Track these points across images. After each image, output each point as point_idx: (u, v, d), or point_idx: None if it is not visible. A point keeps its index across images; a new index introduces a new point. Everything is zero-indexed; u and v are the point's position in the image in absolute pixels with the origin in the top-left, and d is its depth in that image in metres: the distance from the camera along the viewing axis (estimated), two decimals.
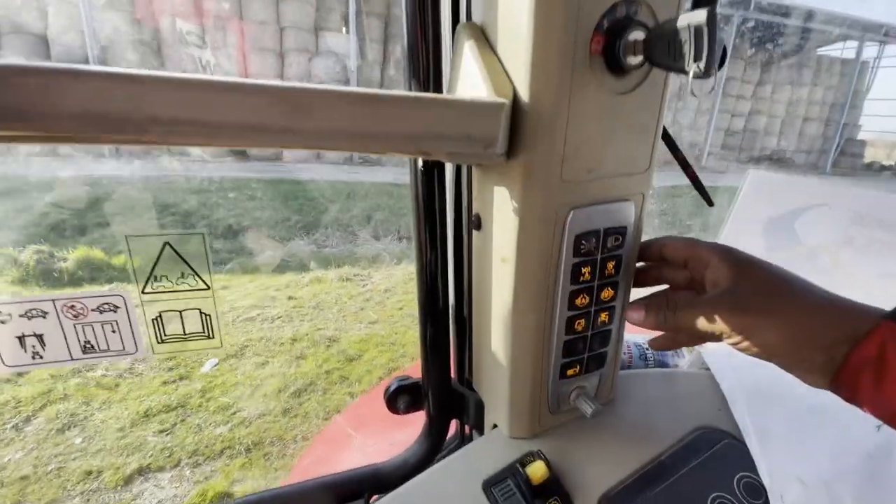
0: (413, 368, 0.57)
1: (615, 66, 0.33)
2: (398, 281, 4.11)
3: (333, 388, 2.73)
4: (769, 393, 0.50)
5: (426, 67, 0.38)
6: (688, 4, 0.31)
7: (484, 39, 0.36)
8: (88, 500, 1.99)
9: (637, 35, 0.31)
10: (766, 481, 0.43)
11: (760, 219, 0.60)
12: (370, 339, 3.15)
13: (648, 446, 0.46)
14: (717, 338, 0.36)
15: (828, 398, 0.32)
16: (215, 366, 2.89)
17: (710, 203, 0.47)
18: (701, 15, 0.26)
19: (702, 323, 0.35)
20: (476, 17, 0.38)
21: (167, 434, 2.36)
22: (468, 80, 0.35)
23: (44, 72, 0.23)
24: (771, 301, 0.33)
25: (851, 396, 0.31)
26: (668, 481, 0.43)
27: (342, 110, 0.28)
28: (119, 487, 2.05)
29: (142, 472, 2.13)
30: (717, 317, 0.34)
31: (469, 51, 0.35)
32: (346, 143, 0.28)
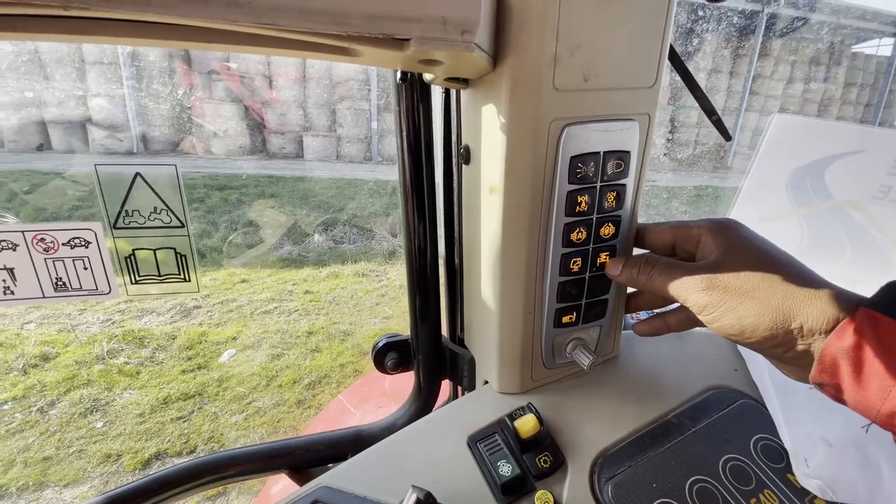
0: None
1: None
2: (405, 271, 4.13)
3: (347, 381, 2.74)
4: None
5: None
6: None
7: None
8: (107, 482, 2.04)
9: None
10: (787, 444, 0.38)
11: (786, 169, 0.54)
12: (385, 334, 3.16)
13: (654, 405, 0.41)
14: (693, 310, 0.33)
15: None
16: (233, 356, 2.94)
17: (728, 137, 0.42)
18: None
19: (677, 289, 0.33)
20: None
21: (184, 421, 2.41)
22: None
23: None
24: (752, 281, 0.30)
25: (835, 393, 0.28)
26: (674, 441, 0.38)
27: None
28: (137, 471, 2.09)
29: (159, 456, 2.17)
30: (693, 286, 0.32)
31: None
32: (297, 21, 0.25)
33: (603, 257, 0.39)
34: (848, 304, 0.28)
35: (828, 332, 0.27)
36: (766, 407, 0.41)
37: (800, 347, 0.29)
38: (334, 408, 1.00)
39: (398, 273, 4.07)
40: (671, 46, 0.37)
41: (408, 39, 0.26)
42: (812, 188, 0.54)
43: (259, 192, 5.40)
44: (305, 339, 3.11)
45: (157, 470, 0.47)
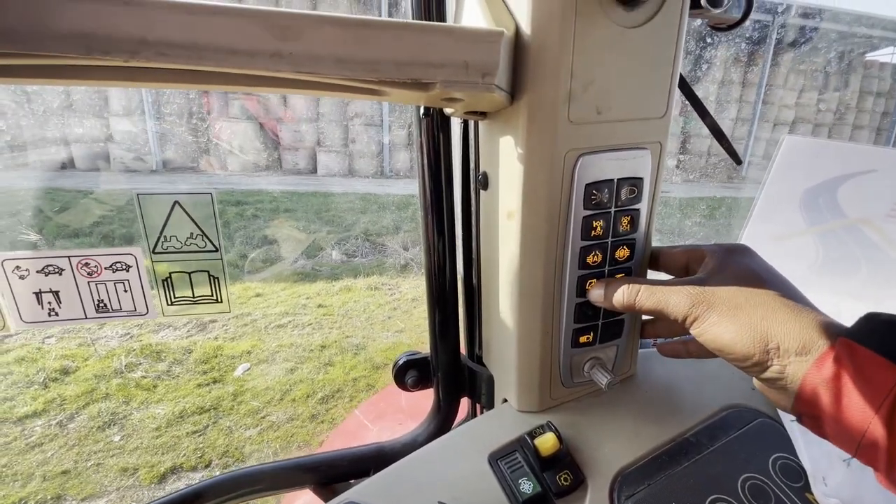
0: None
1: None
2: (425, 291, 4.12)
3: (360, 395, 2.74)
4: None
5: (428, 2, 0.37)
6: None
7: None
8: (124, 496, 2.06)
9: None
10: (805, 463, 0.38)
11: (797, 189, 0.55)
12: (397, 348, 3.16)
13: (672, 423, 0.42)
14: (682, 325, 0.33)
15: None
16: (247, 370, 2.96)
17: (738, 161, 0.44)
18: None
19: (665, 304, 0.34)
20: None
21: (200, 435, 2.42)
22: (470, 15, 0.34)
23: None
24: (736, 298, 0.31)
25: (816, 424, 0.28)
26: (692, 460, 0.39)
27: (331, 34, 0.27)
28: (153, 485, 2.11)
29: (174, 470, 2.19)
30: (681, 300, 0.33)
31: None
32: (334, 69, 0.27)
33: (618, 277, 0.40)
34: (828, 332, 0.28)
35: (801, 353, 0.28)
36: (784, 426, 0.42)
37: (775, 367, 0.29)
38: (351, 423, 1.01)
39: (410, 286, 4.09)
40: (681, 75, 0.39)
41: (433, 83, 0.28)
42: (825, 207, 0.55)
43: (273, 208, 5.49)
44: (318, 353, 3.13)
45: (188, 485, 0.49)
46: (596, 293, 0.39)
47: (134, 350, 2.97)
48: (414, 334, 3.30)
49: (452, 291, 0.49)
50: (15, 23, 0.23)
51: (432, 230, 0.46)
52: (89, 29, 0.24)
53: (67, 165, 5.97)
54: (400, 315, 3.61)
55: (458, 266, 0.49)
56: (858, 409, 0.25)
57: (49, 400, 2.49)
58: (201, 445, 2.36)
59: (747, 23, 0.38)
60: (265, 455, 2.28)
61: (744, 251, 0.36)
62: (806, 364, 0.28)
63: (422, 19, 0.37)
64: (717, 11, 0.34)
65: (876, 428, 0.25)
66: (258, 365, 2.96)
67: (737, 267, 0.34)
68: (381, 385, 2.76)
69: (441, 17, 0.38)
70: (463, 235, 0.47)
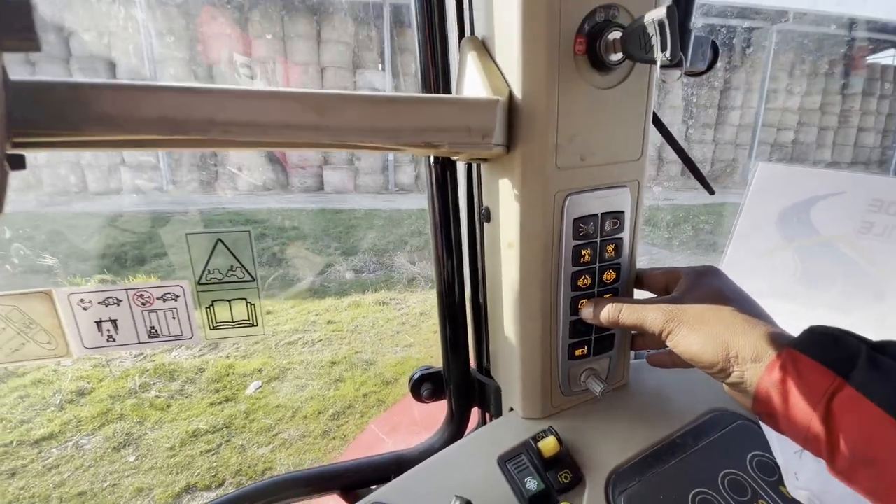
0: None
1: (599, 64, 0.37)
2: (433, 304, 4.14)
3: (371, 411, 2.76)
4: None
5: (435, 74, 0.44)
6: (663, 1, 0.35)
7: (484, 50, 0.41)
8: None
9: (615, 35, 0.35)
10: (779, 460, 0.43)
11: (773, 211, 0.61)
12: (406, 363, 3.18)
13: (660, 426, 0.47)
14: (660, 339, 0.39)
15: None
16: (259, 388, 2.99)
17: (711, 192, 0.49)
18: (661, 11, 0.30)
19: (643, 320, 0.39)
20: (478, 32, 0.43)
21: (213, 454, 2.44)
22: (471, 84, 0.41)
23: (127, 87, 0.30)
24: (703, 315, 0.36)
25: (772, 422, 0.33)
26: (679, 458, 0.44)
27: (361, 110, 0.33)
28: None
29: (189, 489, 2.22)
30: (656, 317, 0.38)
31: (472, 60, 0.41)
32: (365, 138, 0.33)
33: (607, 298, 0.46)
34: (777, 342, 0.33)
35: (755, 361, 0.33)
36: (760, 427, 0.47)
37: (735, 373, 0.34)
38: (367, 437, 1.06)
39: (418, 300, 4.12)
40: (655, 114, 0.45)
41: (442, 144, 0.35)
42: (800, 226, 0.61)
43: (281, 226, 5.57)
44: (329, 370, 3.14)
45: (223, 494, 0.54)
46: (586, 312, 0.44)
47: (148, 370, 3.01)
48: (423, 348, 3.32)
49: (461, 311, 0.55)
50: (114, 112, 0.30)
51: (442, 257, 0.52)
52: (171, 114, 0.31)
53: (81, 188, 6.11)
54: (408, 330, 3.63)
55: (466, 288, 0.54)
56: (802, 409, 0.30)
57: (65, 422, 2.53)
58: (215, 464, 2.38)
59: None
60: (277, 472, 2.30)
61: (713, 273, 0.42)
62: (759, 370, 0.33)
63: (430, 86, 0.44)
64: (681, 70, 0.40)
65: (816, 424, 0.30)
66: (269, 382, 2.99)
67: (705, 287, 0.39)
68: (391, 400, 2.78)
69: (447, 84, 0.45)
70: (469, 261, 0.53)
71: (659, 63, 0.31)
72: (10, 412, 2.65)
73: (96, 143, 0.31)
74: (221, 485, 2.26)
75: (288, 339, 3.50)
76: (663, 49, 0.31)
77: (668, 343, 0.38)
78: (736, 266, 0.65)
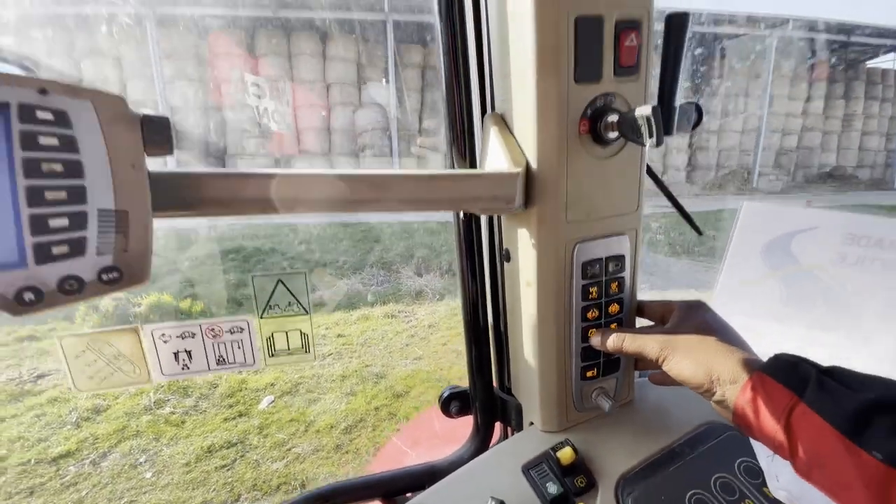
0: (464, 381, 0.68)
1: (599, 140, 0.46)
2: (441, 316, 4.18)
3: (382, 424, 2.76)
4: None
5: (462, 146, 0.52)
6: (652, 92, 0.44)
7: (504, 125, 0.50)
8: None
9: (613, 118, 0.44)
10: (763, 465, 0.50)
11: (758, 244, 0.69)
12: (416, 375, 3.21)
13: (662, 437, 0.55)
14: (657, 363, 0.47)
15: None
16: (272, 403, 3.02)
17: (699, 233, 0.58)
18: (647, 109, 0.39)
19: (643, 349, 0.47)
20: (498, 108, 0.52)
21: (228, 469, 2.47)
22: (494, 155, 0.49)
23: (232, 175, 0.39)
24: (691, 344, 0.45)
25: (750, 433, 0.41)
26: (677, 464, 0.51)
27: (409, 185, 0.42)
28: None
29: None
30: (654, 346, 0.46)
31: (494, 134, 0.50)
32: (412, 207, 0.42)
33: (613, 327, 0.54)
34: (749, 367, 0.41)
35: (732, 383, 0.41)
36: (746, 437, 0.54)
37: (718, 393, 0.42)
38: (390, 450, 1.13)
39: (426, 313, 4.17)
40: (648, 166, 0.53)
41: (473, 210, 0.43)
42: (782, 256, 0.68)
43: (290, 241, 5.65)
44: (340, 383, 3.16)
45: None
46: (594, 340, 0.52)
47: (162, 386, 3.05)
48: (432, 360, 3.37)
49: (485, 336, 0.63)
50: (221, 195, 0.38)
51: (468, 290, 0.60)
52: (266, 195, 0.39)
53: None
54: (418, 342, 3.67)
55: (489, 317, 0.62)
56: (769, 421, 0.38)
57: (82, 439, 2.57)
58: (230, 480, 2.40)
59: None
60: (293, 488, 2.33)
61: (701, 307, 0.50)
62: (736, 390, 0.40)
63: (459, 153, 0.53)
64: (670, 136, 0.48)
65: (780, 434, 0.37)
66: (282, 397, 3.03)
67: (694, 320, 0.47)
68: (402, 414, 2.82)
69: (472, 156, 0.53)
70: (492, 294, 0.61)
71: (647, 146, 0.40)
72: (28, 430, 2.68)
73: (209, 216, 0.40)
74: (237, 500, 2.29)
75: None
76: (650, 136, 0.39)
77: (663, 367, 0.46)
78: (728, 292, 0.73)
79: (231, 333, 0.58)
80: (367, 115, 9.19)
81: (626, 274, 0.53)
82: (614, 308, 0.53)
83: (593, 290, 0.51)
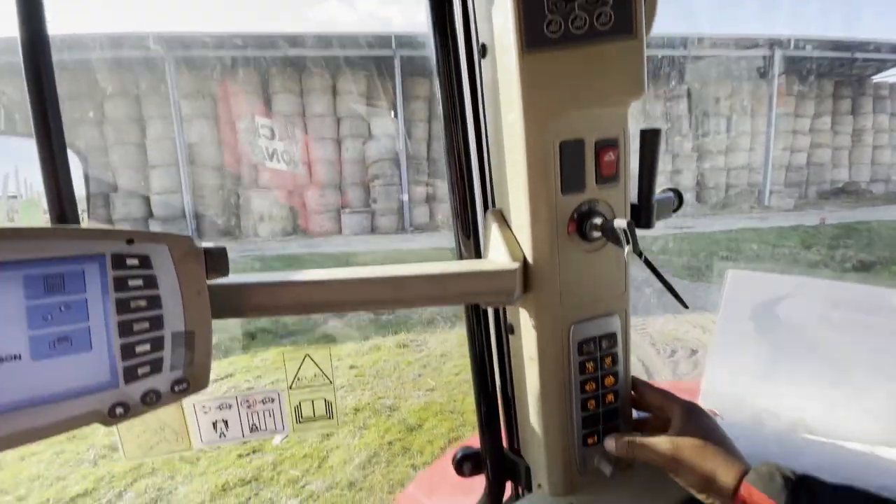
0: (474, 438, 0.74)
1: (586, 238, 0.52)
2: (453, 345, 4.17)
3: (396, 459, 2.74)
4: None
5: (467, 239, 0.60)
6: (630, 202, 0.51)
7: (504, 221, 0.57)
8: None
9: (596, 221, 0.51)
10: None
11: (746, 308, 0.74)
12: (429, 408, 3.20)
13: (660, 498, 0.59)
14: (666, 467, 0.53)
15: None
16: (285, 438, 3.02)
17: (685, 306, 0.63)
18: (623, 222, 0.46)
19: (652, 458, 0.53)
20: (498, 203, 0.59)
21: None
22: (496, 247, 0.56)
23: (274, 283, 0.46)
24: (694, 456, 0.50)
25: None
26: None
27: (425, 283, 0.49)
28: None
29: None
30: (662, 458, 0.52)
31: (494, 229, 0.57)
32: (427, 302, 0.48)
33: (609, 397, 0.59)
34: (739, 473, 0.47)
35: (725, 495, 0.47)
36: None
37: (710, 501, 0.49)
38: (404, 500, 1.16)
39: (437, 342, 4.18)
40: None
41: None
42: (770, 320, 0.74)
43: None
44: (353, 417, 3.15)
45: None
46: (608, 444, 0.58)
47: None
48: (445, 392, 3.36)
49: (494, 402, 0.68)
50: (265, 302, 0.46)
51: (478, 361, 0.66)
52: (302, 301, 0.46)
53: None
54: (430, 372, 3.66)
55: (496, 381, 0.68)
56: None
57: (99, 477, 2.59)
58: None
59: None
60: None
61: (695, 410, 0.55)
62: (728, 502, 0.47)
63: (465, 246, 0.60)
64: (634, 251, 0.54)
65: None
66: (295, 432, 3.03)
67: (693, 428, 0.53)
68: (416, 448, 2.80)
69: (477, 249, 0.60)
70: (499, 361, 0.67)
71: (626, 251, 0.46)
72: (47, 469, 2.71)
73: (253, 317, 0.47)
74: None
75: None
76: (628, 243, 0.46)
77: (670, 474, 0.52)
78: (723, 352, 0.78)
79: (263, 403, 0.64)
80: (377, 146, 9.44)
81: (619, 349, 0.58)
82: (610, 380, 0.58)
83: (589, 364, 0.57)
